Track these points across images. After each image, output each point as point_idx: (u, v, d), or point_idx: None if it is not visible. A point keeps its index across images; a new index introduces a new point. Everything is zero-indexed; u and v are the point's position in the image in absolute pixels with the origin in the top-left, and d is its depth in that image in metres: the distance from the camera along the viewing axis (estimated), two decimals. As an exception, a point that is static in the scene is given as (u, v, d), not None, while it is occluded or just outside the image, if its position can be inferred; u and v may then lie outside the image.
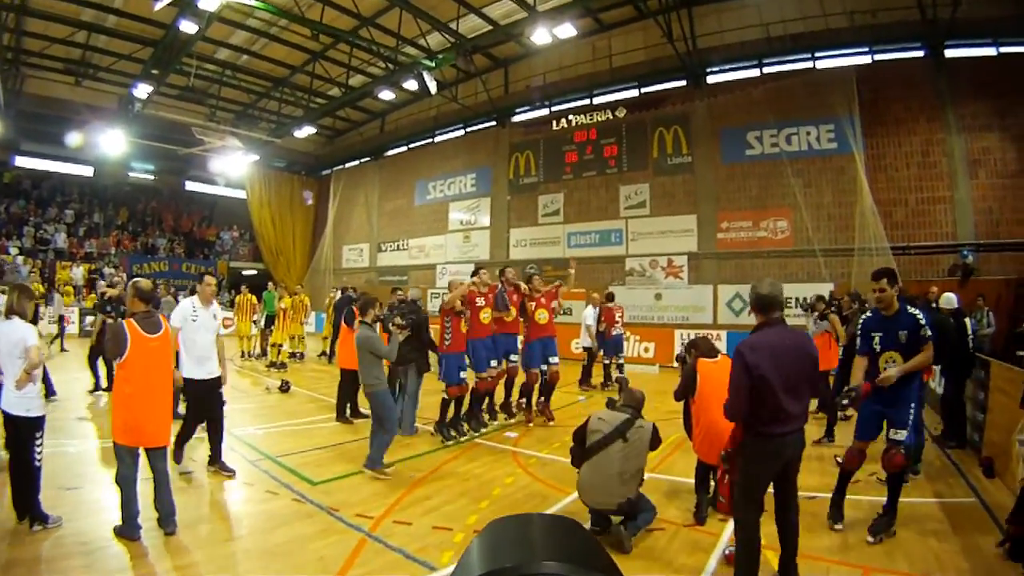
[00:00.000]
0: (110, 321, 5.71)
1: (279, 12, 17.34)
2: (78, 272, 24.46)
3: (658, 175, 19.91)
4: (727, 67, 18.61)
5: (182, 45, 18.26)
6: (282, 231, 30.09)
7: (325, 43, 20.46)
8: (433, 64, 19.07)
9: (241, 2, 16.12)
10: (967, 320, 8.44)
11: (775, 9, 17.17)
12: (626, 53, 20.19)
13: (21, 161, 27.38)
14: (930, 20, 14.93)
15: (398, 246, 27.60)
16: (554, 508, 6.08)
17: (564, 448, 7.68)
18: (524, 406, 10.06)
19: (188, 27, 16.40)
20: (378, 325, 7.52)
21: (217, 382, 6.83)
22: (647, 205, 20.15)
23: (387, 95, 21.90)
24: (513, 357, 9.64)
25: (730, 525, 5.13)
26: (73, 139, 23.43)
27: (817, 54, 17.18)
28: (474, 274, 9.31)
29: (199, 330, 6.76)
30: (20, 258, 23.39)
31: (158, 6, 14.20)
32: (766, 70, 17.99)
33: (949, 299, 8.92)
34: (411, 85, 19.96)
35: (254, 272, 29.09)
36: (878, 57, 16.39)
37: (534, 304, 9.70)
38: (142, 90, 20.18)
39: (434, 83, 19.15)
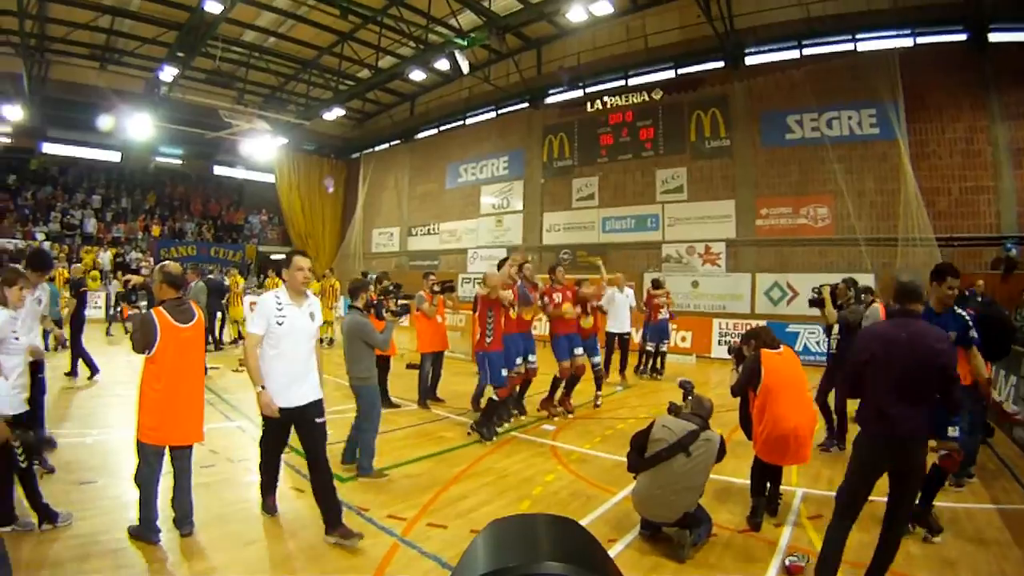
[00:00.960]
0: (134, 311, 5.12)
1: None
2: (105, 257, 25.33)
3: (696, 159, 20.08)
4: (766, 48, 18.70)
5: (207, 27, 18.79)
6: (311, 215, 30.80)
7: (354, 23, 20.72)
8: (465, 43, 19.35)
9: None
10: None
11: (818, -10, 17.13)
12: (661, 33, 20.30)
13: (48, 148, 28.14)
14: (974, 2, 14.95)
15: (429, 230, 28.07)
16: (601, 510, 5.81)
17: (607, 443, 8.15)
18: (561, 400, 10.04)
19: (213, 7, 16.98)
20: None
21: (317, 409, 5.08)
22: (684, 190, 20.33)
23: (417, 75, 22.44)
24: (531, 358, 9.42)
25: (788, 532, 5.25)
26: (101, 124, 24.06)
27: (858, 36, 17.21)
28: (502, 263, 9.01)
29: (288, 337, 4.92)
30: (47, 243, 24.15)
31: None
32: (806, 52, 18.06)
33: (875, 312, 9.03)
34: (442, 65, 20.36)
35: (283, 256, 29.66)
36: (920, 40, 16.38)
37: (559, 297, 9.60)
38: (168, 73, 20.80)
39: (466, 63, 19.48)
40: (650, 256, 20.77)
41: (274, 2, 20.24)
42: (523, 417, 9.76)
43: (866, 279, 14.63)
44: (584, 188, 22.92)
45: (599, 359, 10.55)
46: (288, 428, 5.20)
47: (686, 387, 5.98)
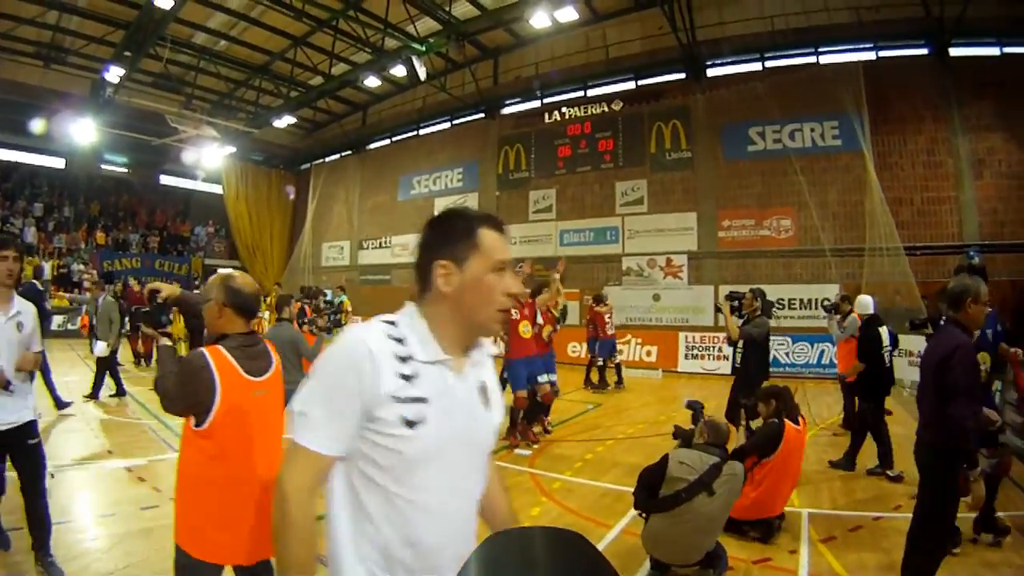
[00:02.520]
0: (166, 343, 3.42)
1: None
2: (46, 267, 24.49)
3: (656, 171, 20.40)
4: (728, 60, 19.23)
5: (156, 24, 18.40)
6: (259, 227, 30.32)
7: (309, 26, 20.65)
8: (423, 49, 19.43)
9: None
10: (882, 329, 8.40)
11: (777, 2, 17.85)
12: (622, 43, 20.72)
13: None
14: (936, 18, 15.67)
15: (380, 243, 27.82)
16: (601, 545, 5.19)
17: (589, 469, 7.89)
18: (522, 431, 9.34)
19: (163, 2, 16.61)
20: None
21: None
22: (644, 202, 20.62)
23: (372, 82, 22.35)
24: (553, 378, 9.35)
25: (805, 558, 5.15)
26: (40, 126, 23.41)
27: (821, 49, 17.87)
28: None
29: None
30: None
31: None
32: (768, 64, 18.65)
33: (864, 303, 9.14)
34: (398, 72, 20.38)
35: (230, 270, 29.05)
36: (883, 54, 17.10)
37: (516, 314, 8.82)
38: (114, 73, 20.21)
39: (423, 69, 19.56)
40: (610, 269, 21.00)
41: (227, 2, 20.02)
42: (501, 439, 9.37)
43: (831, 290, 14.98)
44: (541, 200, 23.06)
45: (555, 377, 9.87)
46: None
47: (695, 408, 5.77)
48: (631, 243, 20.73)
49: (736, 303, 8.43)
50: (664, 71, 20.19)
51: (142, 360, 16.62)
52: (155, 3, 16.64)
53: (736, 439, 7.01)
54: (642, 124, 20.61)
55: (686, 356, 17.91)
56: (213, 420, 2.83)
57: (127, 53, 19.69)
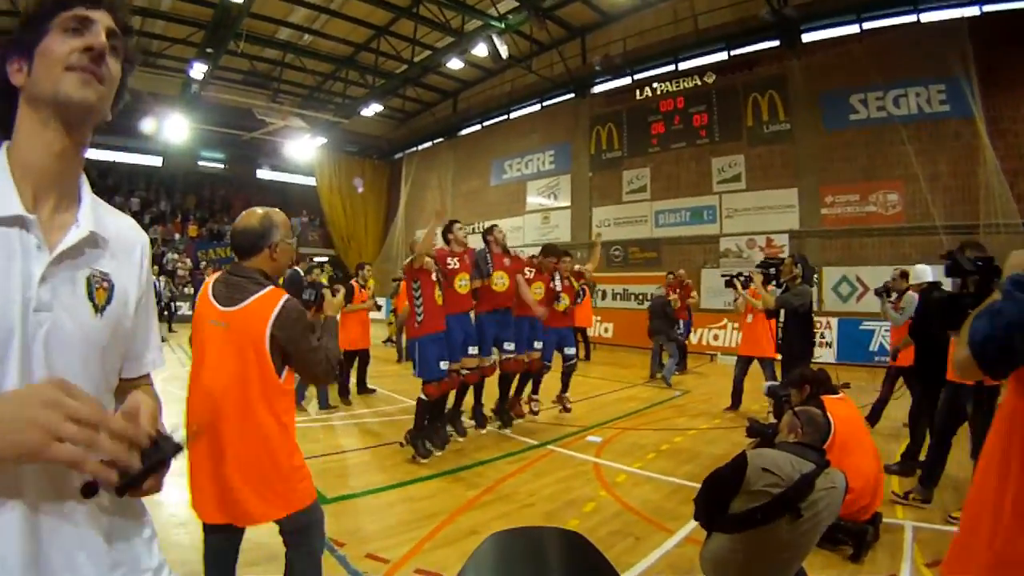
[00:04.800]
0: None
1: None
2: None
3: (754, 145, 19.42)
4: (823, 23, 17.99)
5: (233, 20, 18.87)
6: (353, 216, 31.04)
7: (389, 16, 20.75)
8: (502, 26, 19.10)
9: None
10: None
11: (874, -41, 16.46)
12: (710, 13, 19.75)
13: (89, 153, 28.10)
14: None
15: (473, 229, 27.62)
16: (654, 556, 4.60)
17: (662, 460, 7.25)
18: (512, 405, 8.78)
19: None
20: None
21: None
22: (742, 178, 19.72)
23: (455, 65, 21.92)
24: (536, 344, 8.43)
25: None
26: (141, 127, 24.50)
27: (921, 5, 16.43)
28: (487, 233, 8.18)
29: None
30: None
31: None
32: (866, 25, 17.31)
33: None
34: (481, 52, 19.91)
35: (325, 259, 29.81)
36: (988, 8, 15.51)
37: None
38: (198, 70, 20.85)
39: (505, 48, 19.32)
40: (707, 251, 20.20)
41: (306, -4, 20.21)
42: (575, 422, 8.98)
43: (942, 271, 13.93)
44: (635, 180, 22.42)
45: (573, 351, 9.23)
46: None
47: (777, 395, 4.83)
48: (729, 223, 19.88)
49: (773, 270, 7.78)
50: (757, 39, 19.13)
51: None
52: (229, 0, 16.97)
53: None
54: (737, 96, 19.64)
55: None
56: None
57: (209, 50, 20.20)
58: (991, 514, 1.75)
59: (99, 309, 1.33)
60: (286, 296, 2.98)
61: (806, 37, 18.22)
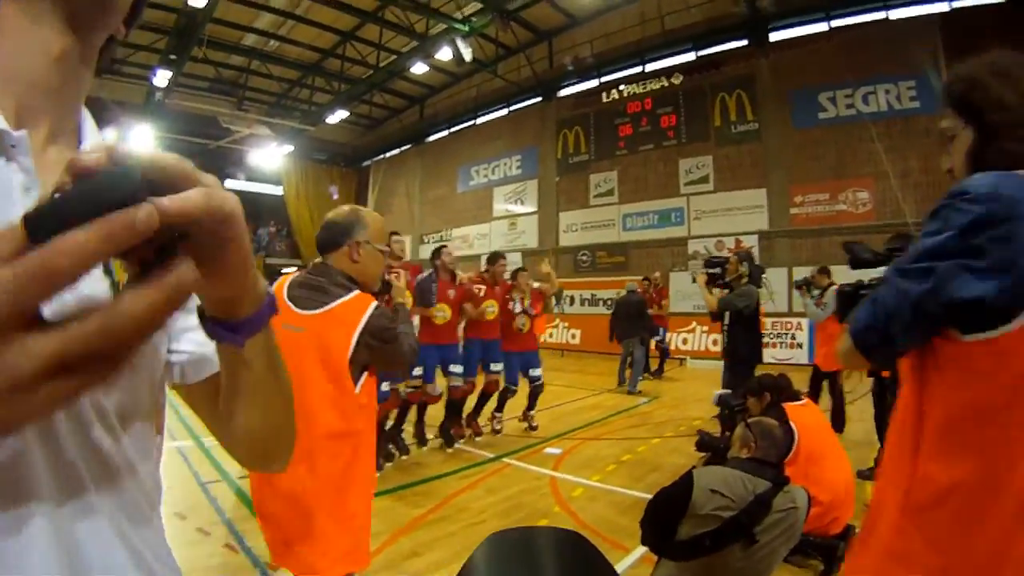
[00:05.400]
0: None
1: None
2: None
3: (722, 145, 19.05)
4: (792, 22, 17.67)
5: (197, 24, 18.16)
6: (320, 225, 29.87)
7: (355, 20, 20.10)
8: (466, 28, 18.61)
9: None
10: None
11: (841, -46, 16.19)
12: (678, 13, 19.31)
13: None
14: None
15: (441, 236, 27.14)
16: None
17: (621, 472, 6.84)
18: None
19: (197, 2, 16.31)
20: None
21: None
22: (710, 180, 19.31)
23: (419, 69, 21.28)
24: (493, 367, 8.20)
25: None
26: (107, 136, 23.38)
27: (890, 2, 16.13)
28: (435, 255, 7.67)
29: None
30: None
31: None
32: (835, 23, 17.02)
33: None
34: (445, 56, 19.32)
35: (293, 269, 28.91)
36: (957, 4, 15.27)
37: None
38: (162, 77, 20.13)
39: (469, 51, 18.75)
40: (675, 253, 19.74)
41: (271, 2, 19.65)
42: (533, 433, 8.52)
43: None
44: (602, 184, 21.95)
45: (539, 372, 8.74)
46: None
47: (729, 405, 4.46)
48: (697, 224, 19.44)
49: (718, 270, 7.17)
50: (725, 39, 18.78)
51: None
52: (189, 3, 16.32)
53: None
54: (704, 96, 19.27)
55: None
56: None
57: (172, 57, 19.48)
58: (886, 505, 1.69)
59: (118, 286, 0.78)
60: (375, 303, 2.64)
61: (774, 36, 17.87)
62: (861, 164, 16.13)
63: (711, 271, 7.30)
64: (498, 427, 8.54)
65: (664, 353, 14.74)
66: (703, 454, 3.87)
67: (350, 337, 2.52)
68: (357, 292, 2.65)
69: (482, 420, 8.45)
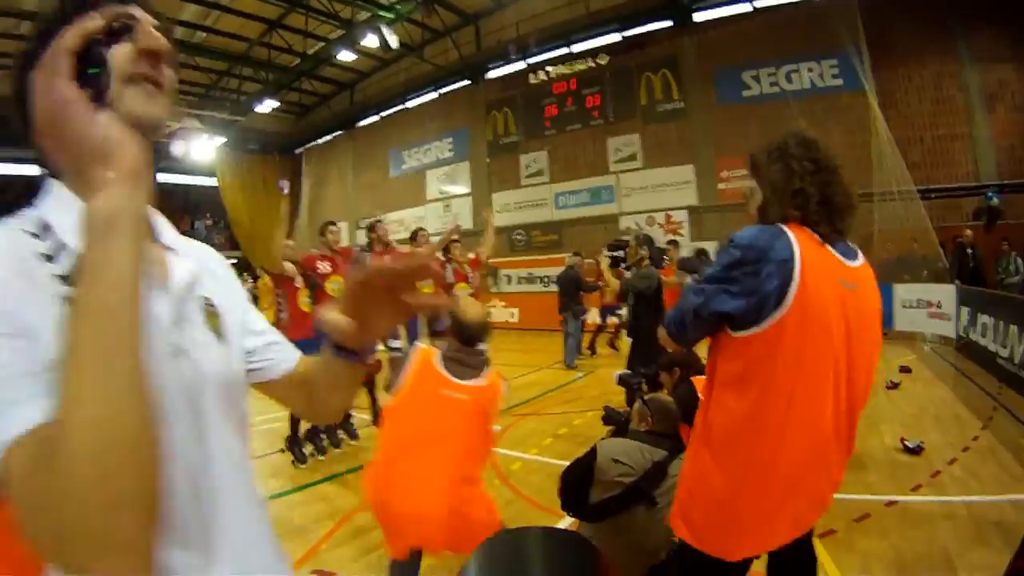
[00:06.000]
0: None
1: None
2: None
3: (648, 123, 19.30)
4: (715, 1, 17.55)
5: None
6: (257, 216, 28.98)
7: (281, 7, 19.33)
8: (391, 16, 18.40)
9: None
10: None
11: (760, -68, 16.40)
12: (603, -6, 19.36)
13: None
14: None
15: (376, 221, 26.54)
16: None
17: (560, 445, 7.06)
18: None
19: None
20: None
21: None
22: (638, 157, 19.57)
23: (348, 57, 20.85)
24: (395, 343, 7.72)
25: None
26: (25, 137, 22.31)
27: None
28: (370, 229, 7.90)
29: None
30: None
31: None
32: (759, 3, 17.04)
33: None
34: (372, 43, 18.84)
35: (233, 260, 28.15)
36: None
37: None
38: (89, 69, 19.02)
39: (395, 37, 18.50)
40: (607, 231, 19.65)
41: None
42: None
43: (841, 239, 13.69)
44: (532, 164, 22.04)
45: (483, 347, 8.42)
46: None
47: (629, 384, 4.44)
48: (628, 201, 19.73)
49: (620, 253, 7.58)
50: (649, 19, 18.55)
51: None
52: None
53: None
54: (630, 76, 19.47)
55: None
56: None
57: (101, 51, 18.50)
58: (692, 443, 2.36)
59: (221, 337, 1.14)
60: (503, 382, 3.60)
61: (698, 16, 17.81)
62: (786, 139, 16.18)
63: (613, 254, 7.73)
64: None
65: (598, 329, 14.67)
66: (608, 427, 4.10)
67: (496, 405, 3.49)
68: (492, 371, 3.52)
69: None
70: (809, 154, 2.24)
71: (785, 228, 2.06)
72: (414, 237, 8.59)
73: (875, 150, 14.80)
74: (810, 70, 16.22)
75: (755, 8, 16.85)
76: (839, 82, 15.79)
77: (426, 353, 3.45)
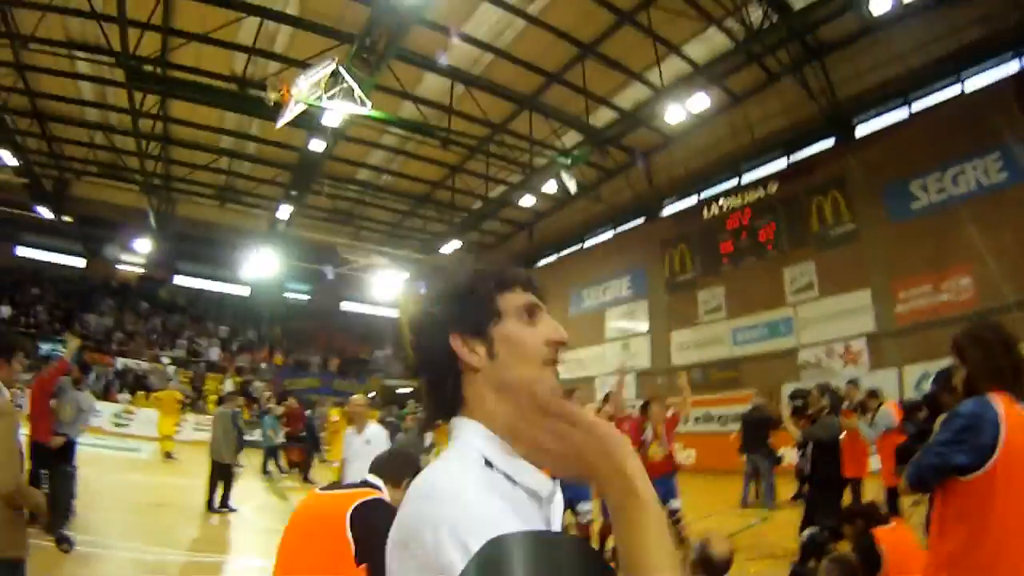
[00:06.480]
0: None
1: (400, 123, 18.33)
2: (228, 384, 25.73)
3: (822, 250, 18.45)
4: (873, 112, 17.40)
5: (315, 165, 19.82)
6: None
7: (461, 155, 21.09)
8: (569, 161, 19.38)
9: (362, 115, 16.31)
10: None
11: (906, 37, 15.81)
12: (765, 120, 19.45)
13: (180, 280, 30.96)
14: None
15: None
16: None
17: None
18: None
19: (317, 146, 17.83)
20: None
21: None
22: (815, 286, 18.62)
23: (528, 201, 22.30)
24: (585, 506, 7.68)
25: None
26: (229, 262, 26.59)
27: (963, 75, 15.66)
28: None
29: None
30: (171, 367, 25.31)
31: (281, 123, 14.87)
32: (915, 107, 16.61)
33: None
34: (550, 187, 20.24)
35: (409, 390, 29.51)
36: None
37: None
38: (284, 211, 21.98)
39: (573, 182, 19.68)
40: (786, 365, 18.74)
41: (381, 140, 21.14)
42: None
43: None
44: (710, 300, 21.58)
45: (678, 504, 8.12)
46: None
47: (815, 543, 5.48)
48: (805, 333, 18.60)
49: (800, 402, 7.79)
50: (812, 140, 18.63)
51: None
52: (310, 147, 17.65)
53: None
54: (800, 202, 18.91)
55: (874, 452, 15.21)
56: None
57: (293, 192, 21.07)
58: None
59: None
60: None
61: (860, 130, 17.48)
62: (958, 249, 15.02)
63: (795, 404, 8.05)
64: None
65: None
66: None
67: None
68: None
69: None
70: (1000, 338, 2.89)
71: (991, 398, 2.73)
72: (607, 399, 8.85)
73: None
74: (974, 168, 14.96)
75: (911, 113, 16.37)
76: (1004, 175, 14.50)
77: None
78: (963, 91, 15.71)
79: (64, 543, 5.42)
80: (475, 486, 1.07)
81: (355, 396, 7.27)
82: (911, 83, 16.41)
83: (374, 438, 6.60)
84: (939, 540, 2.86)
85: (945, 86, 16.02)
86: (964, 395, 2.88)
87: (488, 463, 1.16)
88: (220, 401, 17.20)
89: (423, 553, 0.99)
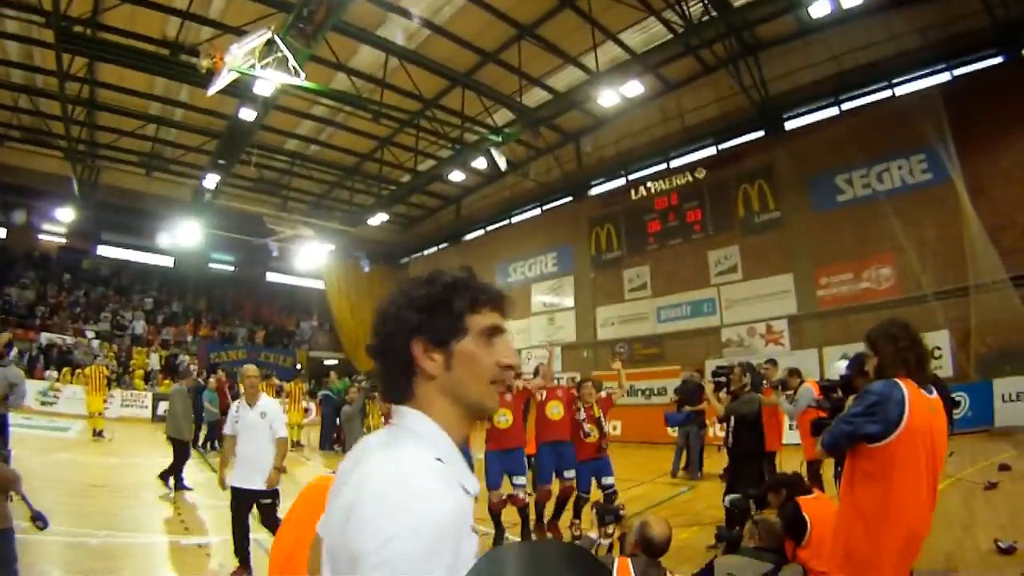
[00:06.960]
0: None
1: (333, 94, 18.06)
2: (154, 358, 25.54)
3: (747, 235, 19.42)
4: (804, 110, 18.31)
5: (245, 134, 19.31)
6: (362, 322, 30.39)
7: (391, 127, 20.89)
8: (500, 139, 19.48)
9: (295, 85, 15.90)
10: None
11: (842, 39, 16.71)
12: (697, 110, 20.10)
13: (103, 250, 29.62)
14: (1004, 23, 14.38)
15: (480, 334, 27.38)
16: None
17: (665, 561, 6.50)
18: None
19: (247, 115, 17.34)
20: None
21: (261, 494, 6.18)
22: (739, 269, 19.60)
23: (457, 176, 22.27)
24: (566, 474, 8.29)
25: None
26: (152, 232, 25.71)
27: (894, 80, 16.74)
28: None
29: (242, 433, 6.30)
30: (96, 342, 24.43)
31: (212, 91, 14.47)
32: (845, 106, 17.57)
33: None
34: (480, 164, 20.40)
35: (335, 362, 29.59)
36: (958, 72, 15.79)
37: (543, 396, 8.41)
38: (211, 180, 21.38)
39: (503, 159, 19.67)
40: (709, 343, 19.74)
41: (312, 110, 20.79)
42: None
43: (940, 337, 13.50)
44: (635, 278, 22.35)
45: (611, 480, 8.57)
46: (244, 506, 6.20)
47: (738, 507, 5.36)
48: (729, 313, 19.61)
49: (723, 379, 7.94)
50: (742, 131, 19.45)
51: None
52: (240, 116, 17.32)
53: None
54: (728, 189, 19.79)
55: (790, 427, 16.36)
56: None
57: (221, 161, 20.59)
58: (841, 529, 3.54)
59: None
60: None
61: (789, 124, 18.41)
62: (881, 240, 16.21)
63: (718, 380, 8.11)
64: (577, 533, 8.31)
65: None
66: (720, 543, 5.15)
67: None
68: None
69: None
70: (908, 335, 3.48)
71: (899, 381, 3.35)
72: (536, 372, 8.94)
73: (967, 241, 14.40)
74: (900, 167, 16.11)
75: (842, 111, 17.26)
76: (929, 176, 15.62)
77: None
78: (894, 94, 16.73)
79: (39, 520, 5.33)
80: (431, 479, 1.24)
81: (247, 366, 7.10)
82: (842, 84, 17.29)
83: (269, 410, 6.50)
84: (850, 495, 3.48)
85: (877, 89, 17.00)
86: (875, 379, 3.47)
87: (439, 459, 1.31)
88: (173, 376, 16.92)
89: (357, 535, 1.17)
